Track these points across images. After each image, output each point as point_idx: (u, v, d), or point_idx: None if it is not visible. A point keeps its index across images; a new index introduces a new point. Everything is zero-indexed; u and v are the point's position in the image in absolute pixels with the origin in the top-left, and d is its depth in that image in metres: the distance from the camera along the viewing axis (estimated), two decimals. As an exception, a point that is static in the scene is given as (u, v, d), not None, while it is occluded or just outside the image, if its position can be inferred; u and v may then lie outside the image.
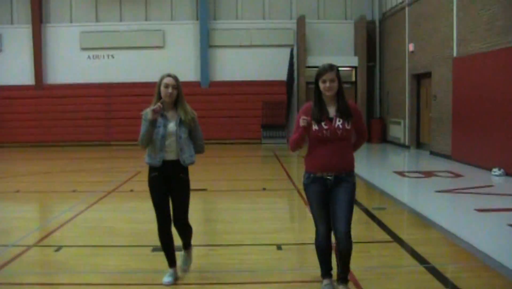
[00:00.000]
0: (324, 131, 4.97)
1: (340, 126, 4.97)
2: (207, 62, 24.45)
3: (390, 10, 22.77)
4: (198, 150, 5.68)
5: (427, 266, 6.04)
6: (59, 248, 6.98)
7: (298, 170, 15.97)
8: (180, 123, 5.48)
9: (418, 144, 20.08)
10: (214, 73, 24.72)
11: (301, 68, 24.02)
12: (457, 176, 13.14)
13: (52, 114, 23.87)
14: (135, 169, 14.94)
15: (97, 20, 24.89)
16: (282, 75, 24.34)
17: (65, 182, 13.27)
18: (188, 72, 24.24)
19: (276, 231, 8.08)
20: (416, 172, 14.40)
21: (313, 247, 5.31)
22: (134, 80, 24.31)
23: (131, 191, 11.67)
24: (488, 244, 6.83)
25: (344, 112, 5.00)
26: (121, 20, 24.92)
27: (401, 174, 14.03)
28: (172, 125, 5.47)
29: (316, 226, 5.21)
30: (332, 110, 5.04)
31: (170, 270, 5.62)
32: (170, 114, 5.52)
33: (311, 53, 24.27)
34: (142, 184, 12.07)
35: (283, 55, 24.35)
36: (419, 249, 6.68)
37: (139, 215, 9.22)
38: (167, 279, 5.53)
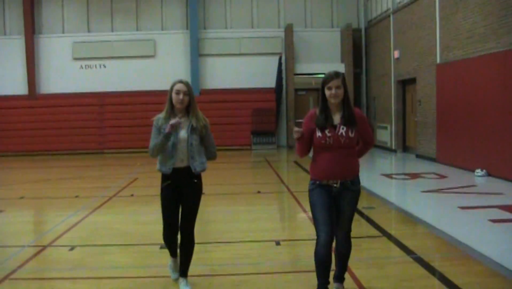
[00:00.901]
0: (327, 139, 4.96)
1: (344, 134, 4.96)
2: (197, 70, 24.96)
3: (375, 18, 23.46)
4: (210, 156, 5.63)
5: (414, 256, 6.64)
6: (72, 247, 7.50)
7: (289, 174, 16.58)
8: (192, 130, 5.42)
9: (405, 148, 20.73)
10: (204, 82, 25.24)
11: (289, 75, 24.65)
12: (442, 177, 13.76)
13: (46, 124, 24.24)
14: (132, 176, 15.45)
15: (89, 30, 25.36)
16: (271, 83, 24.91)
17: (66, 188, 13.76)
18: (179, 81, 24.73)
19: (274, 229, 8.71)
20: (403, 174, 15.04)
21: (308, 242, 5.81)
22: (126, 89, 24.82)
23: (132, 195, 12.16)
24: (470, 237, 7.44)
25: (349, 120, 4.99)
26: (112, 31, 25.38)
27: (388, 176, 14.64)
28: (183, 133, 5.42)
29: (318, 231, 5.03)
30: (337, 118, 5.03)
31: (172, 259, 5.83)
32: (182, 121, 5.43)
33: (299, 60, 24.91)
34: (141, 189, 12.77)
35: (272, 63, 24.91)
36: (406, 242, 7.29)
37: (143, 217, 9.77)
38: (174, 276, 5.83)
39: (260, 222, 9.23)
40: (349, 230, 5.21)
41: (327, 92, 4.98)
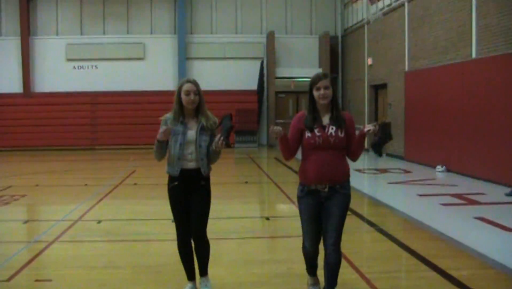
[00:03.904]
0: (317, 138, 4.86)
1: (333, 134, 4.87)
2: (184, 73, 26.49)
3: (351, 27, 25.32)
4: (213, 159, 5.40)
5: (377, 228, 8.45)
6: (99, 221, 9.18)
7: (271, 168, 18.34)
8: (201, 130, 5.25)
9: (376, 147, 22.55)
10: (191, 83, 26.78)
11: (270, 78, 26.43)
12: (407, 172, 15.61)
13: (40, 121, 25.64)
14: (129, 168, 17.06)
15: (81, 33, 26.84)
16: (253, 85, 26.64)
17: (73, 178, 15.40)
18: (167, 82, 26.47)
19: (263, 209, 10.59)
20: (374, 169, 16.84)
21: (292, 218, 7.45)
22: (117, 89, 26.35)
23: (135, 184, 13.82)
24: (422, 215, 9.22)
25: (338, 120, 4.92)
26: (104, 33, 26.89)
27: (360, 171, 16.41)
28: (191, 133, 5.24)
29: (304, 238, 5.11)
30: (326, 119, 4.96)
31: (189, 285, 5.56)
32: (190, 121, 5.29)
33: (279, 65, 26.74)
34: (142, 179, 14.50)
35: (254, 67, 26.67)
36: (372, 219, 9.11)
37: (151, 201, 11.45)
38: None
39: (251, 204, 11.05)
40: (339, 240, 4.95)
41: (315, 93, 4.92)
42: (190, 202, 5.32)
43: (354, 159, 5.07)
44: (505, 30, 12.59)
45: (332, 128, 4.87)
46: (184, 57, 26.62)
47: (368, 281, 5.80)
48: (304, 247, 5.16)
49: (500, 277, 5.99)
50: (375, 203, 10.94)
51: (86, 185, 13.77)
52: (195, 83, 5.26)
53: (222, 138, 5.07)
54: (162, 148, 5.24)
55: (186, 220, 5.35)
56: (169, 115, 5.28)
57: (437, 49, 16.23)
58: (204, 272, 5.51)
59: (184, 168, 5.23)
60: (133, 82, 26.42)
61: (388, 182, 13.64)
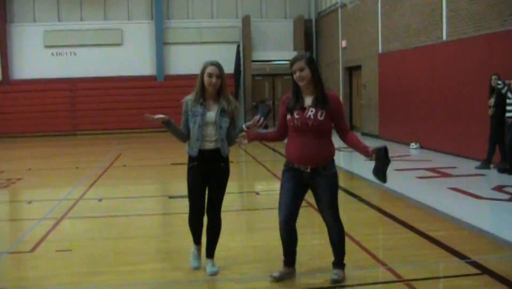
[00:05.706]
0: (295, 121, 4.92)
1: (312, 116, 4.89)
2: (162, 58, 26.99)
3: (325, 10, 26.01)
4: (232, 141, 5.46)
5: (359, 198, 9.24)
6: (100, 199, 9.80)
7: (251, 148, 18.94)
8: (222, 112, 5.33)
9: (352, 127, 23.29)
10: (168, 68, 27.28)
11: (247, 62, 27.03)
12: (382, 149, 16.37)
13: (20, 108, 25.83)
14: (115, 152, 17.59)
15: (59, 19, 27.02)
16: (230, 69, 27.04)
17: (63, 162, 15.90)
18: (145, 67, 26.96)
19: (252, 185, 11.28)
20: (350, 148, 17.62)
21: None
22: (96, 75, 26.66)
23: (124, 166, 14.39)
24: (400, 187, 9.96)
25: (318, 102, 4.93)
26: (81, 20, 27.12)
27: (337, 149, 17.14)
28: (211, 114, 5.31)
29: (279, 212, 5.10)
30: (308, 101, 4.98)
31: (196, 246, 5.74)
32: (211, 103, 5.37)
33: (255, 48, 27.31)
34: (130, 161, 15.15)
35: (231, 51, 27.10)
36: (353, 191, 9.89)
37: (145, 180, 12.10)
38: (194, 264, 5.72)
39: (240, 180, 11.77)
40: (336, 215, 5.09)
41: (294, 76, 4.98)
42: (208, 182, 5.40)
43: (345, 142, 5.27)
44: (473, 14, 13.39)
45: (312, 111, 4.89)
46: (161, 42, 27.01)
47: (357, 242, 6.54)
48: (279, 223, 5.08)
49: (472, 235, 6.80)
50: (355, 177, 11.72)
51: (77, 168, 14.33)
52: (218, 66, 5.34)
53: (262, 119, 5.09)
54: (172, 131, 5.36)
55: (201, 200, 5.44)
56: (190, 96, 5.42)
57: (409, 32, 17.01)
58: (211, 254, 5.60)
59: (203, 148, 5.30)
60: (111, 68, 26.67)
61: (365, 158, 14.38)
